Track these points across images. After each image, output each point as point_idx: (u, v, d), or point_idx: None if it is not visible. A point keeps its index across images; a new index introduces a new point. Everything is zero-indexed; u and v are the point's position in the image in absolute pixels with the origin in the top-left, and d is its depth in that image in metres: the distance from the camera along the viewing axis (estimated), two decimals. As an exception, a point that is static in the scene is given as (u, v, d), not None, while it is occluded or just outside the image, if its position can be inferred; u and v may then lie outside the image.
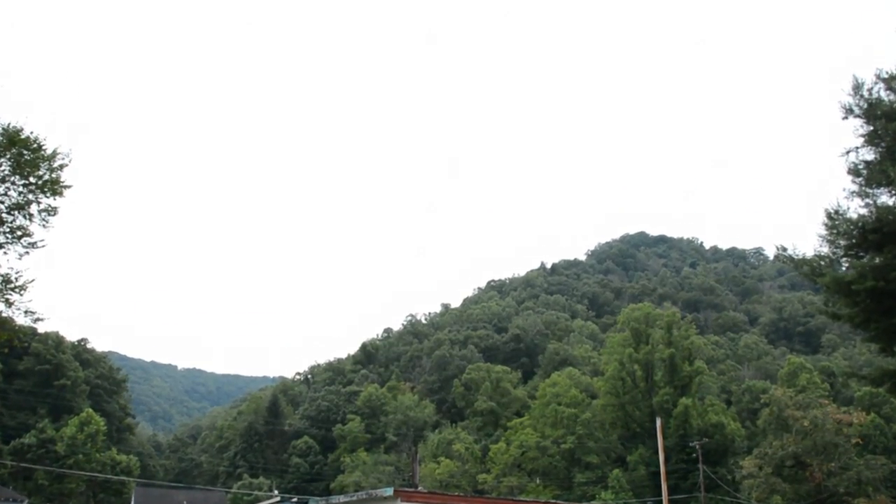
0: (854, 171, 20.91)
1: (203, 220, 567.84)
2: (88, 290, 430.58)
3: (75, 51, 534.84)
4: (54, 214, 24.42)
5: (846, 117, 19.98)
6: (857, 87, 19.72)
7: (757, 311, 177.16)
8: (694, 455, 63.70)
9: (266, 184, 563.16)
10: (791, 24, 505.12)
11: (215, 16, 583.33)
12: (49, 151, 23.06)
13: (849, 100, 19.81)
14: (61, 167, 23.52)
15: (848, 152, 20.63)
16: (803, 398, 60.58)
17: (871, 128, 19.94)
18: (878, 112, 19.54)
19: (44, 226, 24.52)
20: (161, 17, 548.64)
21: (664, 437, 49.32)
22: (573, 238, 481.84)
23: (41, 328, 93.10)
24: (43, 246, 24.91)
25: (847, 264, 22.74)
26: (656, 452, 50.47)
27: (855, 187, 21.18)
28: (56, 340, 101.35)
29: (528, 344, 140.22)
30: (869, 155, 20.59)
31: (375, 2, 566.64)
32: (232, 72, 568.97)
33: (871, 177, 20.58)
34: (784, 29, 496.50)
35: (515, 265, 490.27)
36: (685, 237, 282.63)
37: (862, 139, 20.39)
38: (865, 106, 19.71)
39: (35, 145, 22.70)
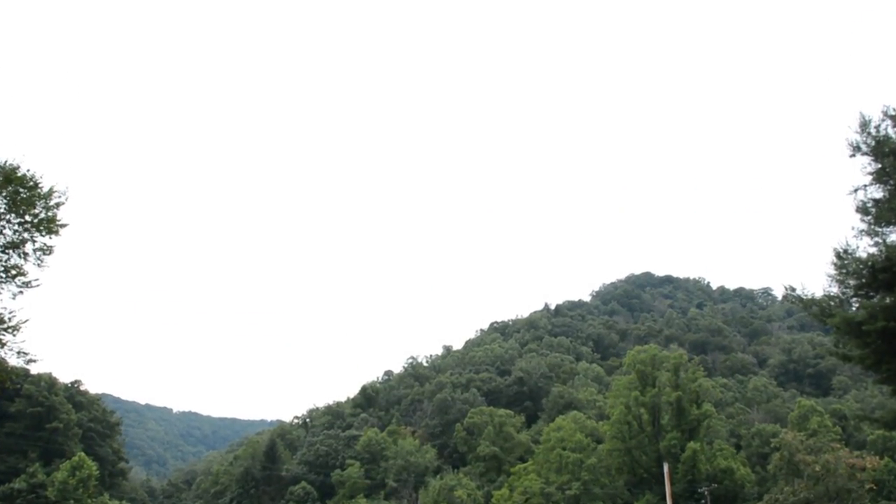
0: (863, 210, 20.57)
1: (199, 260, 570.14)
2: (82, 330, 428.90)
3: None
4: (49, 253, 24.11)
5: (853, 155, 19.72)
6: (865, 125, 19.50)
7: (766, 352, 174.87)
8: (703, 501, 62.06)
9: (262, 222, 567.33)
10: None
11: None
12: (45, 189, 22.83)
13: (856, 137, 19.58)
14: (57, 205, 23.27)
15: (856, 190, 20.36)
16: (814, 442, 59.27)
17: (880, 165, 19.66)
18: (886, 149, 19.28)
19: (39, 265, 24.20)
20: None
21: (672, 483, 47.88)
22: (577, 279, 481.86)
23: (34, 369, 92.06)
24: (37, 285, 24.56)
25: (857, 304, 22.24)
26: (664, 498, 48.95)
27: (864, 226, 20.83)
28: (49, 382, 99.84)
29: (531, 387, 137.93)
30: (877, 193, 20.29)
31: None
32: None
33: (880, 215, 20.21)
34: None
35: (519, 306, 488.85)
36: (691, 277, 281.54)
37: (870, 177, 20.10)
38: (873, 143, 19.47)
39: (31, 183, 22.47)
